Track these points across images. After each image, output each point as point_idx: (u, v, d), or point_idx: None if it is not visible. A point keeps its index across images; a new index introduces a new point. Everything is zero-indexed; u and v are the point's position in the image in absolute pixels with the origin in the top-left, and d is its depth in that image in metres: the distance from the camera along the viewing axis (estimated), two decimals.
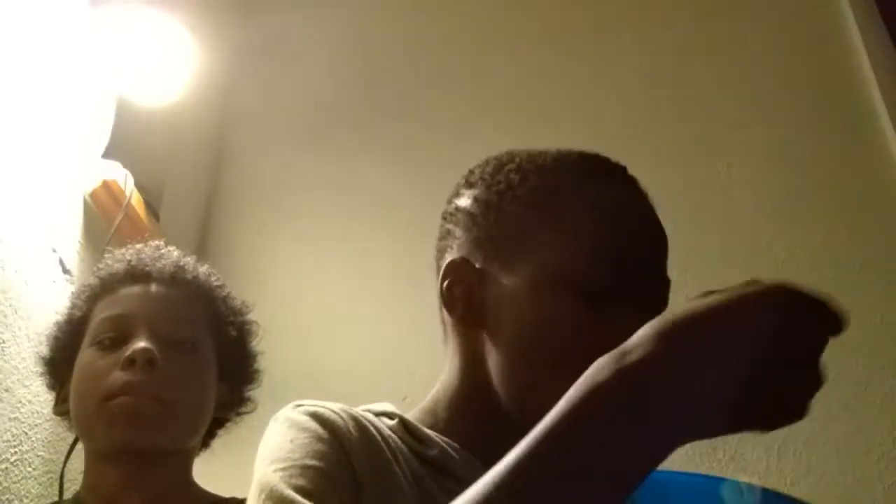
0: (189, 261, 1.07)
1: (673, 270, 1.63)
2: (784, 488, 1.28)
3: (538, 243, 0.68)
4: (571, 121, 1.74)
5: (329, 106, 1.91)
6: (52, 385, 1.04)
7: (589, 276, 0.65)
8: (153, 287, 1.02)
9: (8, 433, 1.11)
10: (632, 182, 0.72)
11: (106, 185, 1.37)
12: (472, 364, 0.69)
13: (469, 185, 0.76)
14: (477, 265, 0.69)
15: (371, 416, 0.67)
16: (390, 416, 0.69)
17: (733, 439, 1.29)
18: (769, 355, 0.44)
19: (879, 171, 1.55)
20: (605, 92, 1.78)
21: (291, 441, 0.61)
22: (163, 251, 1.06)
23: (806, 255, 1.50)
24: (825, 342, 0.47)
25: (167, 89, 1.47)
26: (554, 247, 0.67)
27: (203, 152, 1.87)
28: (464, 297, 0.70)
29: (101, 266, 1.07)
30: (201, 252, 1.72)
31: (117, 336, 0.97)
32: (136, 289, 1.02)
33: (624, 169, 0.73)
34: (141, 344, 0.95)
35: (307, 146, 1.87)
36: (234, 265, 1.74)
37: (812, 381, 0.47)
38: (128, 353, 0.94)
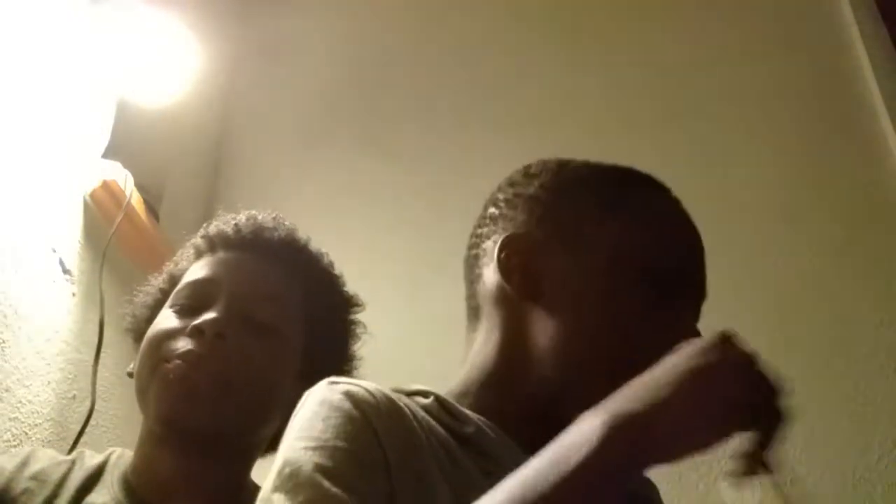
0: (304, 237, 0.99)
1: None
2: (784, 488, 1.28)
3: (610, 229, 0.71)
4: (572, 123, 1.74)
5: (329, 106, 1.91)
6: (136, 339, 0.97)
7: (660, 264, 0.69)
8: (252, 257, 0.95)
9: (8, 433, 1.11)
10: (678, 200, 0.78)
11: (106, 185, 1.37)
12: (515, 338, 0.70)
13: (529, 175, 0.79)
14: (539, 239, 0.71)
15: (404, 398, 0.66)
16: (424, 394, 0.69)
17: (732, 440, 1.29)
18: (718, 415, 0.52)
19: (879, 171, 1.55)
20: (606, 94, 1.77)
21: (323, 420, 0.60)
22: (280, 222, 1.00)
23: (806, 255, 1.50)
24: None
25: (167, 89, 1.47)
26: (628, 232, 0.71)
27: (203, 152, 1.87)
28: (521, 267, 0.71)
29: (212, 223, 1.01)
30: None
31: (196, 303, 0.91)
32: (233, 255, 0.96)
33: (670, 189, 0.79)
34: (212, 315, 0.88)
35: (307, 146, 1.87)
36: None
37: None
38: (197, 321, 0.87)
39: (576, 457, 0.49)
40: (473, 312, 0.76)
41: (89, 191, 1.36)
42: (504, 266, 0.71)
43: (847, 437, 1.34)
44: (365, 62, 1.96)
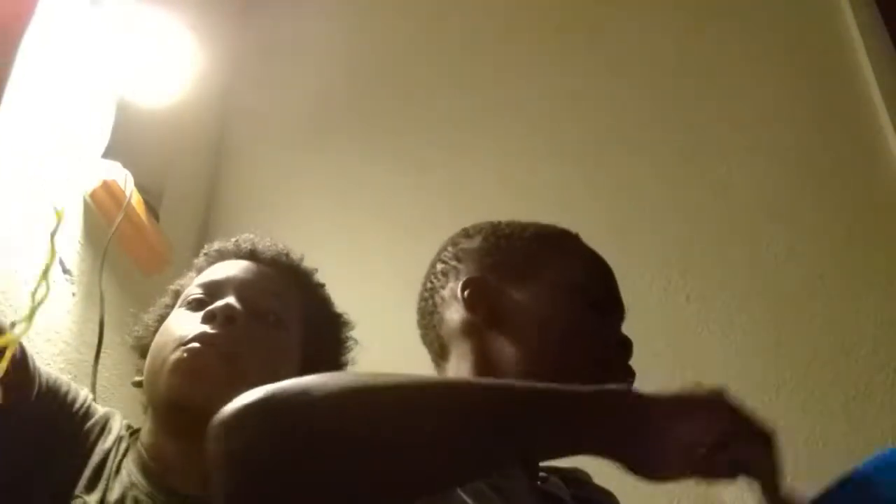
0: (298, 254, 1.07)
1: (674, 271, 1.63)
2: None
3: (548, 266, 0.87)
4: (573, 123, 1.74)
5: (329, 106, 1.91)
6: (141, 354, 1.02)
7: (592, 288, 0.86)
8: (252, 263, 1.03)
9: None
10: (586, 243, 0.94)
11: (106, 185, 1.37)
12: (485, 360, 0.82)
13: (469, 236, 0.93)
14: (492, 284, 0.86)
15: None
16: None
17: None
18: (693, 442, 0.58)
19: (879, 171, 1.55)
20: (605, 93, 1.78)
21: None
22: (275, 242, 1.08)
23: (806, 255, 1.50)
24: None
25: (167, 89, 1.47)
26: (563, 267, 0.87)
27: (203, 152, 1.87)
28: (483, 302, 0.85)
29: (211, 245, 1.09)
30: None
31: (205, 299, 0.97)
32: (234, 262, 1.03)
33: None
34: (224, 301, 0.95)
35: (307, 146, 1.87)
36: None
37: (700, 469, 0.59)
38: (210, 307, 0.94)
39: (567, 388, 0.58)
40: (440, 351, 0.89)
41: (89, 191, 1.36)
42: (469, 303, 0.85)
43: (847, 436, 1.34)
44: (365, 62, 1.96)
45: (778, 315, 1.46)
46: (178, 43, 1.45)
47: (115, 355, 1.31)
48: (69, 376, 1.24)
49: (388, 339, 1.59)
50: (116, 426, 0.96)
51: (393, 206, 1.74)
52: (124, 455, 0.93)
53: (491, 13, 1.95)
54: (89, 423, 0.93)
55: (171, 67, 1.45)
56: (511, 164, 1.73)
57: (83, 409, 0.94)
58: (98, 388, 1.22)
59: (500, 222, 0.94)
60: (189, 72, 1.48)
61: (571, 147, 1.72)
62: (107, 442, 0.93)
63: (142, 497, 0.89)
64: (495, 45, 1.91)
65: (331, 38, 2.00)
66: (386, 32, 2.00)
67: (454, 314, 0.87)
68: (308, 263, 1.07)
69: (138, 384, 0.99)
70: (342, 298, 1.65)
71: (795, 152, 1.60)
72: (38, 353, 1.18)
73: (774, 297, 1.48)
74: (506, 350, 0.82)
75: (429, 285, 0.93)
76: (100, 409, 0.96)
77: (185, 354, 0.90)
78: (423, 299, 0.93)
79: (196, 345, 0.91)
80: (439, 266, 0.92)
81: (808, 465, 1.31)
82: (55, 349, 1.22)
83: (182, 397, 0.90)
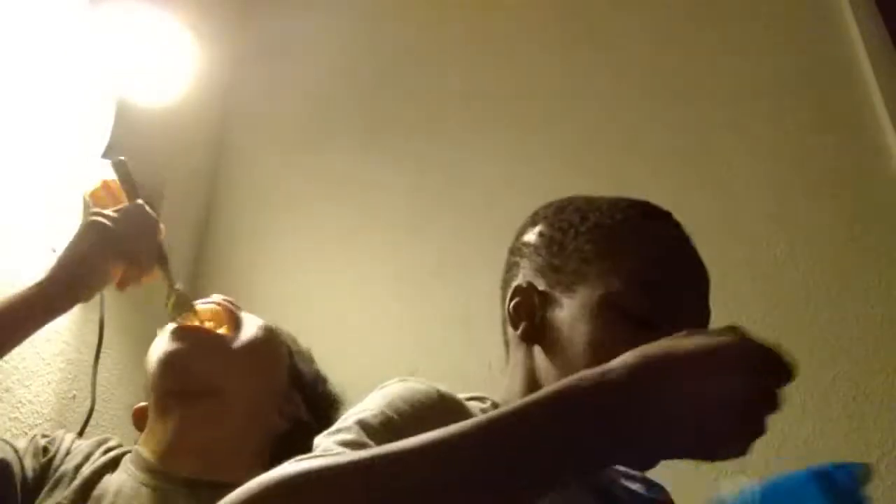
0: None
1: None
2: None
3: (595, 273, 0.78)
4: (572, 123, 1.74)
5: (329, 106, 1.91)
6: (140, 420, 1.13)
7: (636, 303, 0.76)
8: None
9: (8, 433, 1.11)
10: (677, 226, 0.83)
11: (106, 185, 1.37)
12: (531, 375, 0.80)
13: (534, 223, 0.87)
14: (540, 289, 0.81)
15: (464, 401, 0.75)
16: (481, 399, 0.78)
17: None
18: (729, 403, 0.52)
19: (879, 171, 1.54)
20: (605, 94, 1.77)
21: (383, 397, 0.68)
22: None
23: (806, 254, 1.50)
24: (777, 396, 0.56)
25: (167, 89, 1.47)
26: (609, 277, 0.77)
27: (203, 152, 1.87)
28: (527, 315, 0.81)
29: None
30: (201, 252, 1.72)
31: None
32: None
33: (670, 214, 0.84)
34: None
35: (307, 146, 1.87)
36: (233, 265, 1.74)
37: (759, 427, 0.54)
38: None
39: (591, 374, 0.53)
40: (506, 347, 0.86)
41: (89, 191, 1.36)
42: (513, 316, 0.82)
43: (847, 437, 1.34)
44: (365, 62, 1.96)
45: (778, 315, 1.46)
46: (178, 43, 1.45)
47: (115, 355, 1.31)
48: (69, 376, 1.25)
49: (387, 338, 1.59)
50: (85, 445, 1.02)
51: (393, 206, 1.74)
52: (105, 466, 0.99)
53: (491, 14, 1.95)
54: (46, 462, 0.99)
55: (171, 67, 1.45)
56: (511, 164, 1.73)
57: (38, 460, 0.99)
58: (98, 387, 1.22)
59: (566, 205, 0.86)
60: (189, 72, 1.48)
61: (571, 147, 1.71)
62: (72, 461, 0.99)
63: (135, 484, 0.95)
64: (495, 45, 1.91)
65: (331, 38, 2.00)
66: (386, 32, 2.00)
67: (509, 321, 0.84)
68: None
69: (140, 411, 1.09)
70: (342, 299, 1.65)
71: (795, 152, 1.60)
72: (37, 352, 1.18)
73: (774, 297, 1.48)
74: (547, 367, 0.78)
75: (505, 276, 0.88)
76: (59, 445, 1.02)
77: (180, 322, 1.03)
78: (501, 288, 0.88)
79: (189, 323, 1.04)
80: (510, 258, 0.88)
81: (807, 465, 1.31)
82: (55, 349, 1.23)
83: (173, 358, 1.00)
